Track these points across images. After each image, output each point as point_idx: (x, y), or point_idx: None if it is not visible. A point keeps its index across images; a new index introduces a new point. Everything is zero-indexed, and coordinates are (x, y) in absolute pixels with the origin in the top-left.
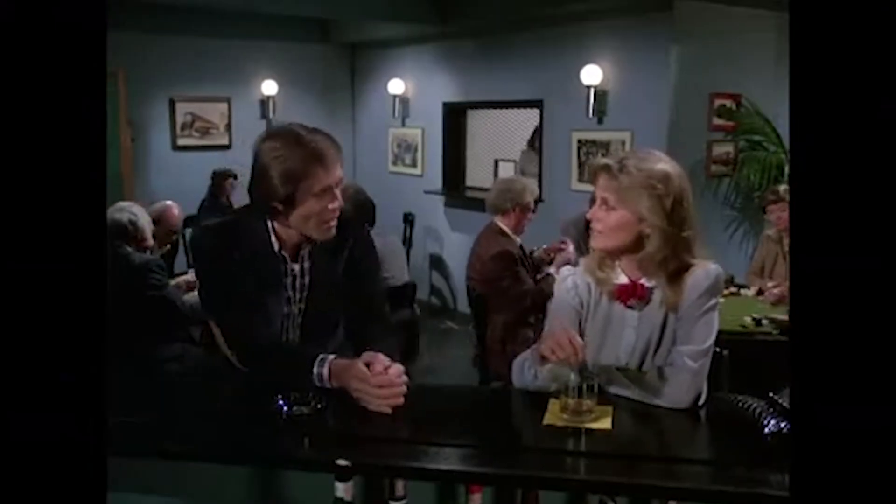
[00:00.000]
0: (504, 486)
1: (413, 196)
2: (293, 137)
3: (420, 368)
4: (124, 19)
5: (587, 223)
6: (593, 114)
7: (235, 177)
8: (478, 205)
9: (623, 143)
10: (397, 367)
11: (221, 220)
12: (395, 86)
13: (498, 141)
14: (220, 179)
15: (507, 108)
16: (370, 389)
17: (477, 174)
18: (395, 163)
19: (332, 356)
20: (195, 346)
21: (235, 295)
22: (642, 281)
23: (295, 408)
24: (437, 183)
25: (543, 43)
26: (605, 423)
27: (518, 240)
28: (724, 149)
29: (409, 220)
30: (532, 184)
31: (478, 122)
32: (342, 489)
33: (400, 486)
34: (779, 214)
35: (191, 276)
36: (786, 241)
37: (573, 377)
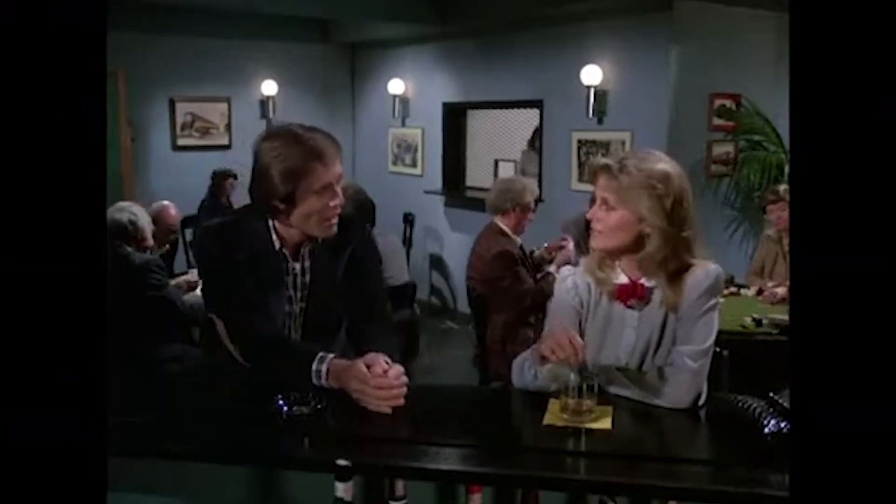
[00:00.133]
0: (504, 486)
1: (413, 196)
2: (292, 136)
3: (420, 368)
4: (124, 19)
5: (587, 223)
6: (593, 114)
7: (235, 177)
8: (478, 205)
9: (623, 143)
10: (397, 369)
11: (222, 221)
12: (395, 86)
13: (498, 141)
14: (220, 179)
15: (507, 108)
16: (370, 391)
17: (477, 174)
18: (395, 163)
19: (331, 355)
20: (195, 346)
21: (238, 294)
22: (642, 281)
23: (295, 408)
24: (437, 183)
25: (543, 43)
26: (605, 423)
27: (518, 240)
28: (724, 149)
29: (409, 220)
30: (532, 184)
31: (478, 122)
32: (342, 489)
33: (400, 486)
34: (779, 214)
35: (191, 276)
36: (786, 241)
37: (573, 377)
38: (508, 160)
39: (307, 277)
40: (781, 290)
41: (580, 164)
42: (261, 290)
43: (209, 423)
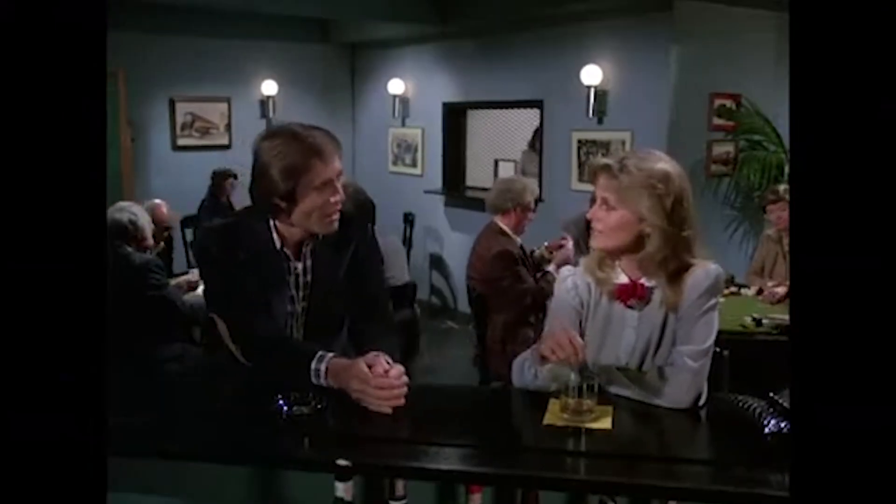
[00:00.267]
0: (504, 486)
1: (413, 196)
2: (291, 134)
3: (420, 368)
4: (124, 19)
5: (587, 223)
6: (593, 114)
7: (235, 177)
8: (478, 205)
9: (623, 143)
10: (398, 369)
11: (224, 222)
12: (395, 86)
13: (498, 141)
14: (220, 179)
15: (507, 108)
16: (371, 390)
17: (477, 174)
18: (395, 163)
19: (330, 354)
20: (195, 346)
21: (239, 294)
22: (642, 281)
23: (295, 408)
24: (437, 183)
25: (543, 43)
26: (605, 423)
27: (518, 239)
28: (724, 149)
29: (409, 220)
30: (532, 183)
31: (478, 122)
32: (342, 489)
33: (400, 486)
34: (779, 214)
35: (191, 276)
36: (786, 241)
37: (573, 377)
38: (508, 160)
39: (309, 277)
40: (781, 290)
41: (580, 164)
42: (262, 291)
43: (209, 423)
